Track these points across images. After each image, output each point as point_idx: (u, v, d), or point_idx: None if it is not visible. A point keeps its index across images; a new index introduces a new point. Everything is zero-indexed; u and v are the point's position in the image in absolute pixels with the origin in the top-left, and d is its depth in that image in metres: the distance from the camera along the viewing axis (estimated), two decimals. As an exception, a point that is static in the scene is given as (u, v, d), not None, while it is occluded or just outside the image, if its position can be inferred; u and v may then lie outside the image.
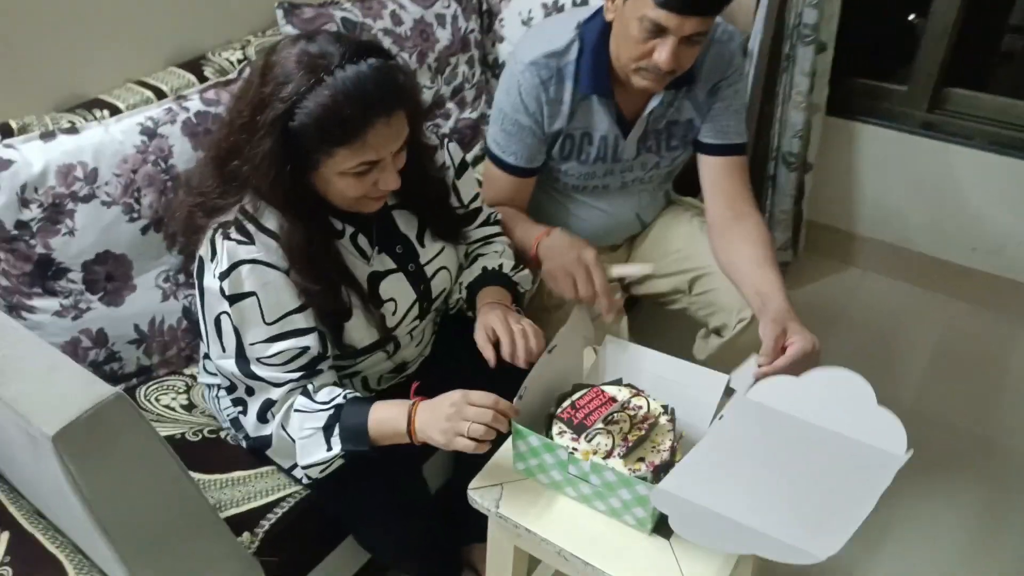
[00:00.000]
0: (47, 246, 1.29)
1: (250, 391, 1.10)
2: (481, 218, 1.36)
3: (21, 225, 1.27)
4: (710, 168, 1.44)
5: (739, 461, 1.05)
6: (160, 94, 1.52)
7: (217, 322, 1.06)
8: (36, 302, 1.31)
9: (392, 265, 1.20)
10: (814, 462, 1.03)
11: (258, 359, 1.07)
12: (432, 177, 1.22)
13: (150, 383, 1.44)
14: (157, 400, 1.40)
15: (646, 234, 1.64)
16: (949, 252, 2.20)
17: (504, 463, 1.12)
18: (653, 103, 1.36)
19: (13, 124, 1.34)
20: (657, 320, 1.89)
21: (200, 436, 1.33)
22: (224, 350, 1.08)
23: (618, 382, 1.18)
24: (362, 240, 1.17)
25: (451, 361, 1.34)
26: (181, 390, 1.43)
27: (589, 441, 1.07)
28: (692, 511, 0.96)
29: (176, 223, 1.14)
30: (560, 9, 1.97)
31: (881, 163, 2.17)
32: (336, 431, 1.07)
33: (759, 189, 2.16)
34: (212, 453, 1.29)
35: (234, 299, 1.04)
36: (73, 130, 1.35)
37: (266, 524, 1.19)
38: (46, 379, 0.91)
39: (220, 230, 1.05)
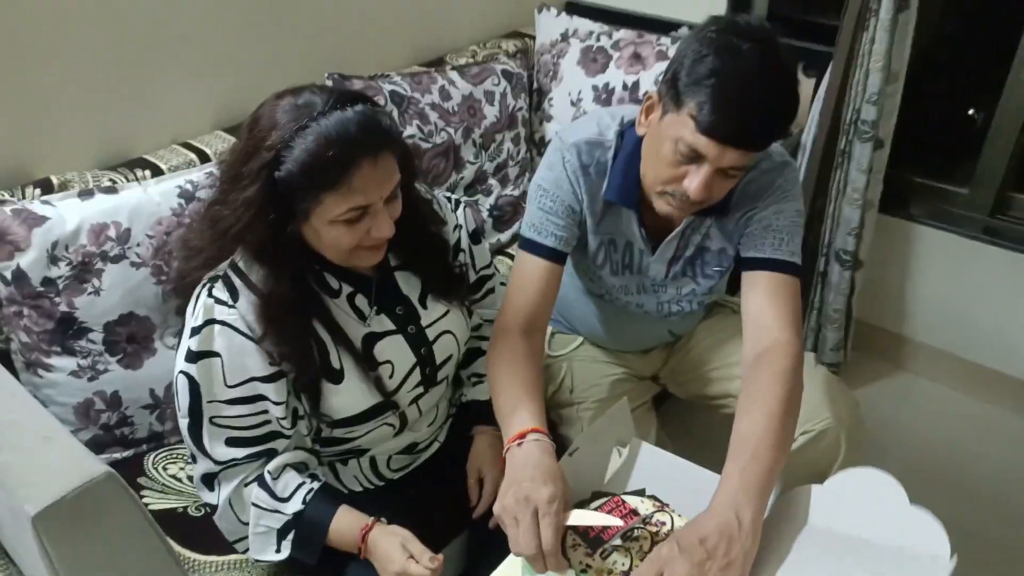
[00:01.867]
0: (71, 304, 1.28)
1: (193, 457, 1.08)
2: (487, 288, 1.32)
3: (47, 282, 1.26)
4: (744, 288, 1.22)
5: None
6: (204, 157, 1.53)
7: (178, 378, 1.05)
8: (54, 360, 1.29)
9: (391, 326, 1.16)
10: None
11: (211, 420, 1.05)
12: (430, 231, 1.20)
13: (160, 450, 1.40)
14: (164, 469, 1.36)
15: (687, 341, 1.53)
16: (1010, 365, 2.06)
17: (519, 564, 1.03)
18: (680, 226, 1.25)
19: (55, 180, 1.36)
20: (690, 414, 1.80)
21: (203, 511, 1.28)
22: (180, 408, 1.06)
23: (641, 492, 1.09)
24: (360, 300, 1.13)
25: (463, 455, 1.28)
26: (190, 460, 1.38)
27: (604, 558, 0.98)
28: None
29: (172, 278, 1.13)
30: (611, 93, 1.96)
31: (938, 266, 2.07)
32: (290, 538, 1.07)
33: (808, 286, 2.08)
34: (213, 531, 1.22)
35: (200, 356, 1.03)
36: (112, 189, 1.36)
37: (260, 616, 1.12)
38: (38, 451, 0.88)
39: (207, 285, 1.05)
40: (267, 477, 1.08)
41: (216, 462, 1.07)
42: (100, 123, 1.48)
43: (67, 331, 1.29)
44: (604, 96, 1.97)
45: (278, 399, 1.06)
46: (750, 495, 0.96)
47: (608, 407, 1.38)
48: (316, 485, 1.09)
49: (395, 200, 1.05)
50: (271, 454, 1.09)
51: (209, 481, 1.09)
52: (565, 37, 2.07)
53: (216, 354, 1.03)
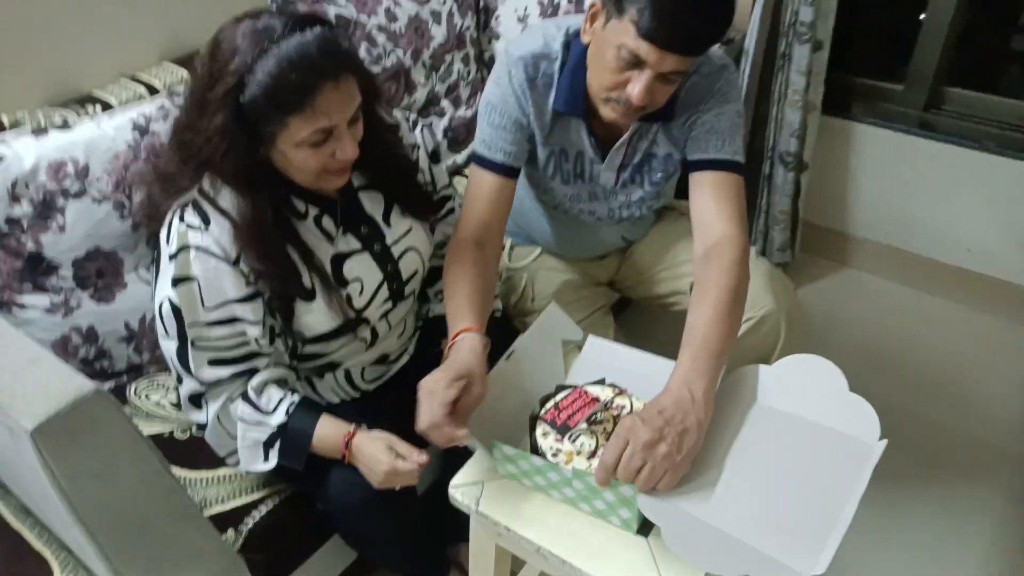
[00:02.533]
0: (37, 242, 1.30)
1: (180, 379, 1.13)
2: (447, 208, 1.37)
3: (11, 221, 1.28)
4: (692, 184, 1.28)
5: (719, 455, 1.05)
6: (153, 90, 1.53)
7: (161, 304, 1.08)
8: (26, 298, 1.31)
9: (357, 245, 1.20)
10: (793, 454, 1.03)
11: (193, 343, 1.09)
12: (395, 152, 1.23)
13: (141, 380, 1.44)
14: (147, 397, 1.41)
15: (637, 245, 1.60)
16: (944, 253, 2.19)
17: (488, 460, 1.12)
18: (628, 134, 1.30)
19: (5, 119, 1.35)
20: (649, 320, 1.89)
21: (188, 434, 1.33)
22: (167, 332, 1.10)
23: (601, 382, 1.18)
24: (327, 221, 1.18)
25: (436, 363, 1.34)
26: (171, 387, 1.43)
27: (573, 441, 1.07)
28: (679, 519, 0.96)
29: (139, 209, 1.15)
30: (556, 7, 1.97)
31: (877, 163, 2.16)
32: (276, 447, 1.13)
33: (754, 189, 2.16)
34: (199, 451, 1.29)
35: (178, 281, 1.06)
36: (65, 126, 1.36)
37: (250, 522, 1.20)
38: (26, 373, 0.91)
39: (177, 211, 1.07)
40: (251, 393, 1.13)
41: (202, 382, 1.11)
42: (45, 60, 1.46)
43: (36, 268, 1.31)
44: (550, 11, 1.98)
45: (255, 319, 1.11)
46: (700, 373, 1.05)
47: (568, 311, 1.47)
48: (297, 398, 1.15)
49: (357, 122, 1.08)
50: (253, 372, 1.14)
51: (196, 401, 1.14)
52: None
53: (193, 278, 1.07)
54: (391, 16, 1.84)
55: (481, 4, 2.09)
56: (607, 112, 1.20)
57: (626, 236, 1.56)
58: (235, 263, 1.08)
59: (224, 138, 1.01)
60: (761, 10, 1.90)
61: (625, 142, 1.31)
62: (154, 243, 1.11)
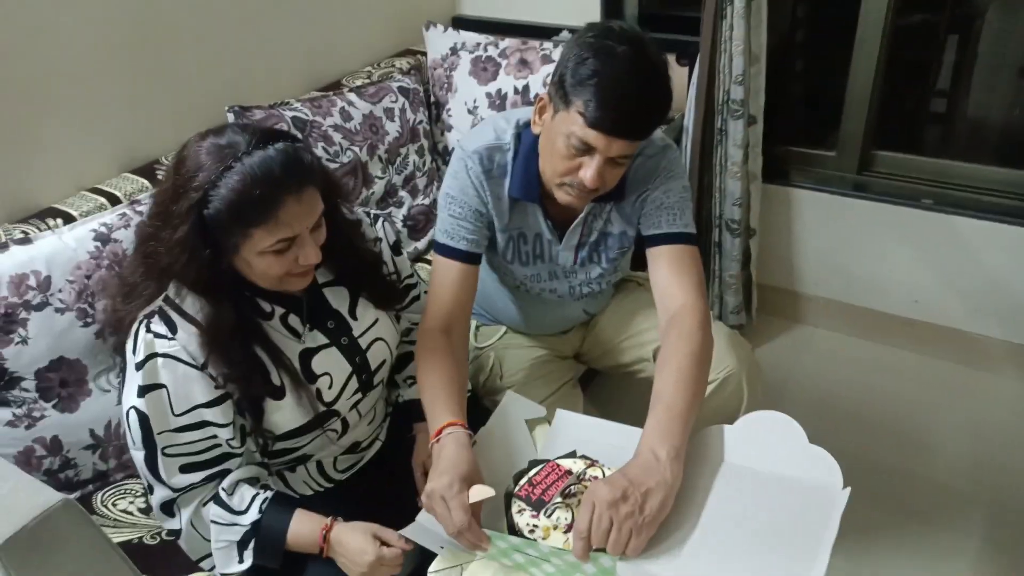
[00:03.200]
0: (0, 356, 1.30)
1: (150, 488, 1.12)
2: (412, 295, 1.41)
3: (-28, 337, 1.27)
4: (650, 258, 1.35)
5: (692, 517, 1.06)
6: (114, 200, 1.56)
7: (129, 414, 1.08)
8: (-12, 413, 1.30)
9: (324, 340, 1.22)
10: (763, 509, 1.05)
11: (164, 450, 1.09)
12: (359, 247, 1.27)
13: (107, 488, 1.42)
14: (114, 505, 1.38)
15: (599, 317, 1.65)
16: (892, 305, 2.28)
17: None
18: (583, 215, 1.36)
19: (-35, 238, 1.37)
20: (616, 390, 1.91)
21: (158, 540, 1.31)
22: (134, 442, 1.09)
23: (572, 455, 1.19)
24: (293, 319, 1.20)
25: (407, 451, 1.35)
26: (139, 493, 1.41)
27: (548, 516, 1.08)
28: None
29: (103, 318, 1.16)
30: (503, 98, 2.07)
31: (819, 225, 2.26)
32: (251, 547, 1.12)
33: (706, 256, 2.24)
34: (170, 556, 1.26)
35: (145, 390, 1.07)
36: (26, 240, 1.37)
37: (226, 628, 1.16)
38: (-8, 490, 0.91)
39: (144, 321, 1.09)
40: (222, 495, 1.12)
41: (174, 489, 1.11)
42: (5, 178, 1.49)
43: (-1, 382, 1.30)
44: (498, 102, 2.08)
45: (225, 421, 1.11)
46: (665, 436, 1.08)
47: (534, 388, 1.49)
48: (270, 494, 1.14)
49: (320, 228, 1.12)
50: (224, 474, 1.14)
51: (168, 508, 1.12)
52: (455, 51, 2.17)
53: (162, 386, 1.07)
54: (345, 116, 1.91)
55: (432, 99, 2.19)
56: (562, 196, 1.26)
57: (587, 310, 1.60)
58: (203, 368, 1.09)
59: (187, 249, 1.04)
60: (696, 90, 2.02)
61: (581, 222, 1.37)
62: (120, 351, 1.12)
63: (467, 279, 1.34)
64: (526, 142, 1.32)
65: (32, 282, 1.34)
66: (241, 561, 1.13)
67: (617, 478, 1.02)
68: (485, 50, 2.13)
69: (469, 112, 2.13)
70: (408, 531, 1.11)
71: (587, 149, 1.17)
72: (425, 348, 1.27)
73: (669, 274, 1.31)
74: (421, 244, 2.04)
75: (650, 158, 1.34)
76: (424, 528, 1.11)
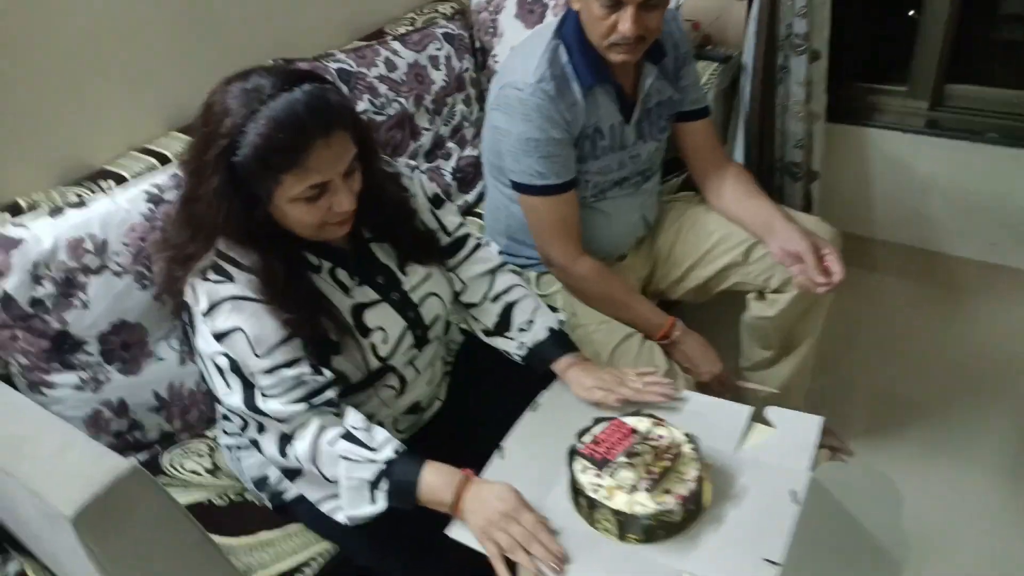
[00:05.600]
0: (62, 321, 1.31)
1: (261, 428, 1.10)
2: (470, 245, 1.36)
3: (36, 303, 1.28)
4: (690, 134, 1.61)
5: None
6: (164, 160, 1.54)
7: (215, 362, 1.07)
8: (55, 377, 1.32)
9: (375, 296, 1.20)
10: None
11: (262, 389, 1.07)
12: (391, 200, 1.22)
13: (174, 448, 1.44)
14: (182, 465, 1.40)
15: (662, 237, 1.68)
16: (969, 249, 2.16)
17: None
18: (648, 79, 1.47)
19: (22, 202, 1.37)
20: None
21: (227, 500, 1.32)
22: (229, 387, 1.08)
23: (637, 412, 1.16)
24: (341, 274, 1.17)
25: (468, 412, 1.35)
26: (204, 453, 1.42)
27: (612, 476, 1.05)
28: None
29: (159, 282, 1.15)
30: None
31: (889, 166, 2.15)
32: (384, 487, 1.06)
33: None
34: (238, 516, 1.28)
35: (221, 336, 1.06)
36: (80, 203, 1.37)
37: (295, 584, 1.18)
38: (61, 457, 0.91)
39: (199, 275, 1.07)
40: (355, 431, 1.09)
41: (282, 419, 1.07)
42: (56, 141, 1.48)
43: (63, 347, 1.31)
44: (547, 45, 2.00)
45: (298, 355, 1.09)
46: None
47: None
48: (399, 445, 1.10)
49: (353, 174, 1.08)
50: (331, 403, 1.11)
51: (283, 446, 1.09)
52: (499, -7, 2.08)
53: (237, 329, 1.06)
54: (391, 66, 1.86)
55: (478, 45, 2.11)
56: (615, 56, 1.37)
57: (646, 216, 1.65)
58: (268, 303, 1.07)
59: (223, 200, 1.02)
60: (756, 24, 1.91)
61: (645, 95, 1.49)
62: (181, 316, 1.12)
63: (573, 203, 1.48)
64: (572, 35, 1.41)
65: (89, 246, 1.34)
66: (374, 502, 1.06)
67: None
68: (530, -8, 2.04)
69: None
70: None
71: (617, 3, 1.30)
72: (587, 273, 1.49)
73: (709, 141, 1.62)
74: (471, 196, 2.00)
75: (669, 22, 1.48)
76: None
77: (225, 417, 1.27)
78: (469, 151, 2.02)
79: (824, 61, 1.95)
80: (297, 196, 1.03)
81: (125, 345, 1.38)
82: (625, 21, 1.31)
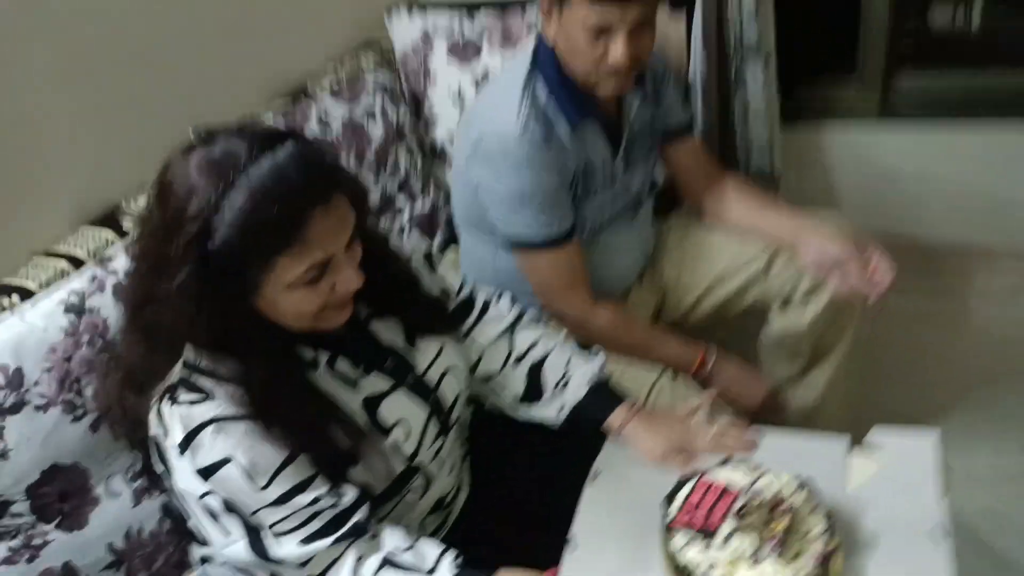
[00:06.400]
0: (-24, 480, 1.02)
1: None
2: (479, 304, 1.17)
3: (-62, 463, 0.99)
4: (680, 154, 1.49)
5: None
6: (77, 262, 1.28)
7: (205, 506, 0.85)
8: (-26, 555, 1.02)
9: (388, 383, 1.00)
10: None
11: (272, 528, 0.86)
12: (396, 266, 1.06)
13: (141, 611, 1.15)
14: (156, 630, 1.11)
15: (667, 265, 1.56)
16: (939, 234, 2.13)
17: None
18: (634, 105, 1.36)
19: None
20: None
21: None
22: (228, 533, 0.86)
23: (724, 463, 0.98)
24: (343, 365, 0.97)
25: (500, 496, 1.15)
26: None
27: (725, 547, 0.86)
28: None
29: (110, 411, 0.95)
30: (486, 74, 1.85)
31: (850, 158, 2.11)
32: None
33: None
34: None
35: (208, 472, 0.84)
36: (-19, 329, 1.09)
37: None
38: None
39: (166, 396, 0.86)
40: (396, 555, 0.89)
41: (303, 563, 0.87)
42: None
43: (-18, 513, 1.02)
44: (482, 78, 1.86)
45: (311, 474, 0.89)
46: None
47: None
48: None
49: (355, 244, 0.90)
50: (361, 529, 0.89)
51: None
52: (426, 36, 1.93)
53: (226, 460, 0.84)
54: (324, 123, 1.67)
55: (407, 93, 1.95)
56: (606, 88, 1.24)
57: (644, 247, 1.53)
58: (261, 419, 0.86)
59: (192, 299, 0.81)
60: (702, 38, 1.82)
61: (627, 128, 1.36)
62: (138, 447, 0.91)
63: (579, 251, 1.35)
64: (550, 70, 1.27)
65: (0, 379, 1.06)
66: None
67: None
68: (461, 30, 1.90)
69: (454, 101, 1.90)
70: None
71: (606, 29, 1.16)
72: (610, 320, 1.34)
73: (700, 157, 1.51)
74: (433, 248, 1.81)
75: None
76: None
77: (204, 560, 1.01)
78: (420, 203, 1.84)
79: (774, 61, 1.89)
80: (295, 280, 0.84)
81: (63, 495, 1.10)
82: (617, 48, 1.17)
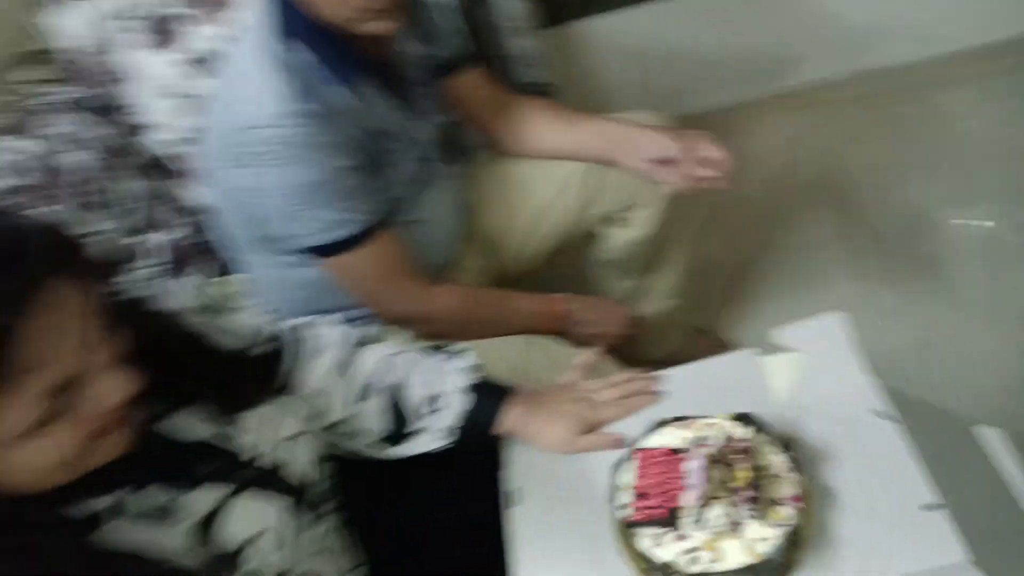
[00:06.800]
0: None
1: None
2: (290, 343, 0.94)
3: None
4: (466, 87, 1.30)
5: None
6: None
7: None
8: None
9: (218, 493, 0.75)
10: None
11: None
12: (177, 338, 0.80)
13: None
14: None
15: (484, 217, 1.39)
16: (713, 98, 2.13)
17: None
18: (407, 44, 1.16)
19: None
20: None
21: None
22: None
23: (659, 425, 0.85)
24: (141, 498, 0.71)
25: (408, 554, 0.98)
26: None
27: (699, 523, 0.74)
28: None
29: None
30: (211, 57, 1.52)
31: (617, 48, 2.02)
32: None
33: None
34: None
35: None
36: None
37: None
38: None
39: None
40: None
41: None
42: None
43: None
44: (206, 65, 1.52)
45: None
46: None
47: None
48: None
49: (105, 336, 0.64)
50: None
51: None
52: (99, 27, 1.53)
53: None
54: (17, 167, 1.28)
55: (99, 105, 1.55)
56: (375, 30, 1.01)
57: (458, 205, 1.35)
58: None
59: None
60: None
61: (403, 62, 1.17)
62: None
63: (397, 240, 1.15)
64: (309, 36, 1.03)
65: None
66: None
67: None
68: (146, 9, 1.53)
69: (166, 97, 1.54)
70: None
71: None
72: (448, 295, 1.19)
73: (496, 84, 1.34)
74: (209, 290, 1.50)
75: None
76: None
77: None
78: (176, 233, 1.51)
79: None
80: (21, 429, 0.58)
81: None
82: None
